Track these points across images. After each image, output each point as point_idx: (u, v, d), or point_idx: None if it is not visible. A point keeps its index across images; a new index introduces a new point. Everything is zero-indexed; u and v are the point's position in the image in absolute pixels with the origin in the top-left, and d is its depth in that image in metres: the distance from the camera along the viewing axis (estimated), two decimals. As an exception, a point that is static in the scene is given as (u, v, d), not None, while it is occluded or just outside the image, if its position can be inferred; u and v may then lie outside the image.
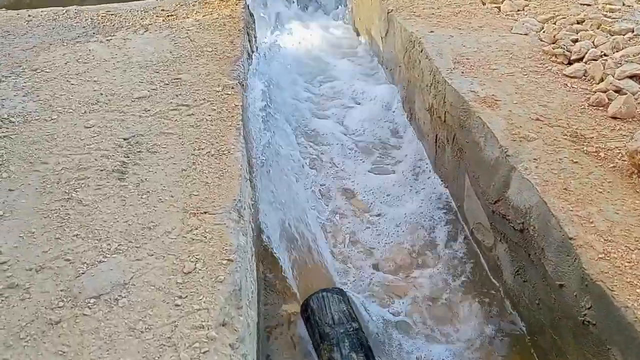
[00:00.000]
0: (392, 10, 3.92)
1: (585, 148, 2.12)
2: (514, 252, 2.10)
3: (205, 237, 1.76)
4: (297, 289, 2.40)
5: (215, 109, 2.54)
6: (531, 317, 2.00)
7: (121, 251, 1.68)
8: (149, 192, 1.96)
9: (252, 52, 3.83)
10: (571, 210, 1.80)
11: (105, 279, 1.58)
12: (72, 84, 2.78)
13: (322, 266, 2.53)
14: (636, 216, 1.75)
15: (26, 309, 1.48)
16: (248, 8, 4.25)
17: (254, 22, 4.48)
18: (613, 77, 2.54)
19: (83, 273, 1.60)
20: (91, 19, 3.74)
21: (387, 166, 3.45)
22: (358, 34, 5.57)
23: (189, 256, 1.67)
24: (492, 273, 2.41)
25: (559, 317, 1.75)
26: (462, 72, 2.81)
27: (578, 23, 3.37)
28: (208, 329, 1.44)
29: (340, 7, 6.26)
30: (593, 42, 2.99)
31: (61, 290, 1.54)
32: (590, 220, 1.74)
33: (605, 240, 1.66)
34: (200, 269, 1.62)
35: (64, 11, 3.91)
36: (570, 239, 1.68)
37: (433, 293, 2.48)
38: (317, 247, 2.60)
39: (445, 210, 2.92)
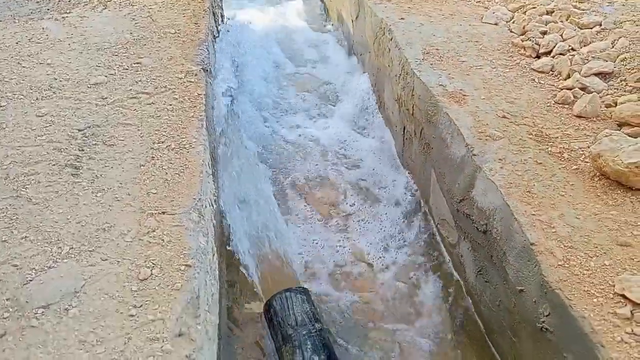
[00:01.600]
0: (363, -7, 3.82)
1: (549, 148, 2.12)
2: (477, 252, 2.11)
3: (162, 239, 1.69)
4: (260, 288, 2.37)
5: (177, 98, 2.44)
6: (492, 317, 2.03)
7: (73, 255, 1.61)
8: (104, 189, 1.88)
9: (218, 34, 3.69)
10: (533, 215, 1.81)
11: (55, 287, 1.50)
12: (24, 67, 2.62)
13: (287, 264, 2.50)
14: (596, 221, 1.77)
15: (-32, 321, 1.40)
16: (215, -15, 4.08)
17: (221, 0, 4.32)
18: (579, 74, 2.54)
19: (31, 280, 1.52)
20: (46, -7, 3.52)
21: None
22: (328, 16, 5.46)
23: (145, 261, 1.60)
24: (455, 269, 2.43)
25: (518, 320, 1.77)
26: (432, 64, 2.77)
27: (548, 13, 3.36)
28: (163, 341, 1.39)
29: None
30: (561, 35, 2.99)
31: (7, 300, 1.46)
32: (552, 226, 1.76)
33: (565, 246, 1.68)
34: (156, 275, 1.56)
35: (16, -17, 3.66)
36: (532, 244, 1.68)
37: (397, 286, 2.49)
38: (282, 244, 2.56)
39: (412, 204, 2.92)
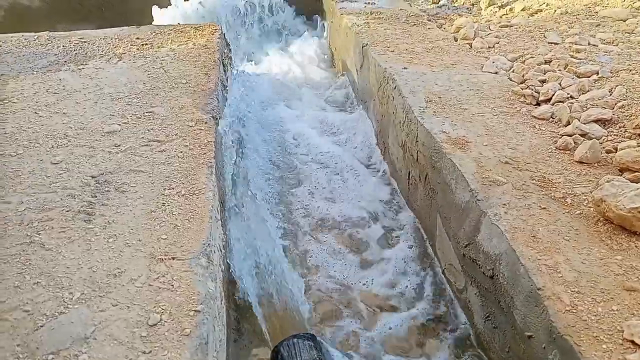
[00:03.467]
0: (366, 44, 3.97)
1: (552, 194, 2.16)
2: (485, 297, 2.11)
3: (172, 285, 1.71)
4: (267, 333, 2.36)
5: (187, 145, 2.51)
6: (502, 363, 2.01)
7: (84, 301, 1.63)
8: (115, 235, 1.91)
9: (227, 83, 3.81)
10: (539, 259, 1.82)
11: (66, 333, 1.52)
12: (40, 116, 2.71)
13: (294, 309, 2.50)
14: (602, 266, 1.78)
15: (-22, 368, 1.41)
16: (224, 37, 4.25)
17: (230, 51, 4.49)
18: (579, 121, 2.61)
19: (42, 326, 1.53)
20: (63, 46, 3.68)
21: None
22: (333, 63, 5.64)
23: (154, 307, 1.62)
24: (463, 314, 2.42)
25: (529, 367, 1.76)
26: (434, 112, 2.85)
27: (546, 63, 3.48)
28: (172, 387, 1.39)
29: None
30: (560, 83, 3.08)
31: (17, 345, 1.48)
32: (558, 270, 1.77)
33: (572, 291, 1.68)
34: (166, 321, 1.58)
35: (36, 37, 3.84)
36: (539, 289, 1.69)
37: (403, 330, 2.47)
38: (289, 288, 2.57)
39: (418, 248, 2.94)
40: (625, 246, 1.87)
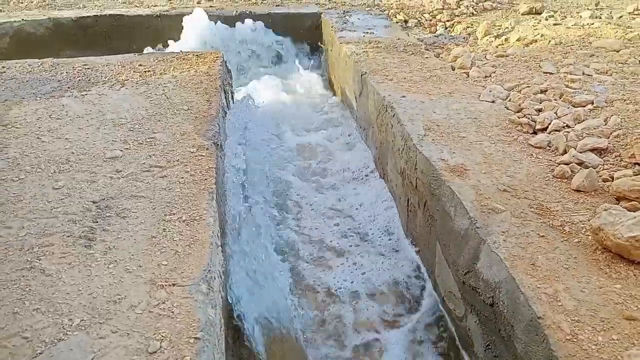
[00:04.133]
0: (365, 72, 4.05)
1: (551, 221, 2.18)
2: (485, 325, 2.10)
3: (172, 312, 1.71)
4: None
5: (188, 171, 2.53)
6: (502, 392, 1.99)
7: (83, 328, 1.62)
8: (116, 261, 1.91)
9: (228, 109, 3.86)
10: (539, 288, 1.83)
11: (65, 360, 1.51)
12: (43, 142, 2.74)
13: (295, 339, 2.48)
14: (601, 295, 1.78)
15: (-24, 395, 1.40)
16: (226, 65, 4.32)
17: (231, 77, 4.56)
18: (575, 149, 2.65)
19: (41, 353, 1.53)
20: (67, 72, 3.74)
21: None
22: (333, 92, 5.72)
23: (154, 334, 1.61)
24: (461, 343, 2.40)
25: (530, 397, 1.74)
26: (433, 139, 2.89)
27: (542, 92, 3.54)
28: (171, 417, 1.37)
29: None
30: (556, 112, 3.13)
31: (16, 373, 1.47)
32: (558, 299, 1.77)
33: (572, 320, 1.69)
34: (165, 348, 1.57)
35: (40, 63, 3.90)
36: (539, 318, 1.69)
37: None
38: (290, 321, 2.56)
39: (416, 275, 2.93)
40: (624, 275, 1.88)
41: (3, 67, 3.83)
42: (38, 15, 6.00)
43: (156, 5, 6.75)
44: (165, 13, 6.19)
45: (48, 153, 2.63)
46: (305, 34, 6.41)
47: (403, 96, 3.50)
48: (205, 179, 2.48)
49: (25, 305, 1.69)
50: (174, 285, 1.82)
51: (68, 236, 2.03)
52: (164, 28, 6.00)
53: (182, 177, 2.48)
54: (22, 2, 6.94)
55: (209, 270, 1.92)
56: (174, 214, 2.21)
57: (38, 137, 2.78)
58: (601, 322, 1.68)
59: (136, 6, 6.78)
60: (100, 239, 2.03)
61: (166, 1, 7.10)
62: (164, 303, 1.74)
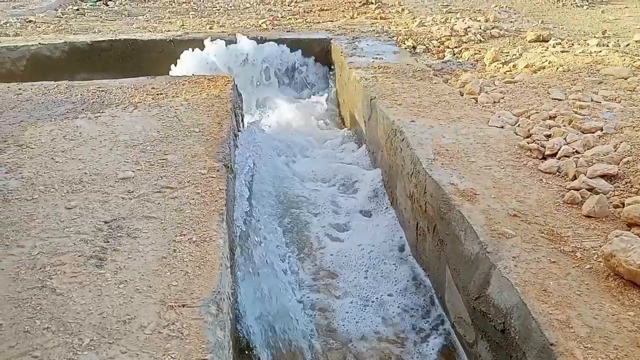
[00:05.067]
0: (374, 97, 4.09)
1: (562, 247, 2.17)
2: (496, 352, 2.08)
3: (182, 332, 1.71)
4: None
5: (199, 192, 2.55)
6: (514, 421, 1.95)
7: (93, 347, 1.62)
8: (126, 281, 1.92)
9: (239, 132, 3.91)
10: (551, 314, 1.81)
11: (74, 380, 1.50)
12: (57, 162, 2.78)
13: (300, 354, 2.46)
14: (614, 322, 1.76)
15: (-15, 414, 1.40)
16: (236, 88, 4.39)
17: (242, 101, 4.62)
18: (585, 175, 2.64)
19: (50, 372, 1.53)
20: (81, 94, 3.81)
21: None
22: (339, 116, 5.78)
23: (163, 354, 1.61)
24: (473, 369, 2.37)
25: None
26: (442, 164, 2.90)
27: (550, 118, 3.55)
28: None
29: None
30: (565, 138, 3.14)
31: (25, 392, 1.46)
32: (570, 325, 1.75)
33: (585, 347, 1.66)
34: (174, 370, 1.56)
35: (55, 86, 3.98)
36: (551, 344, 1.67)
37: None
38: (296, 338, 2.54)
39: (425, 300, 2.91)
40: (637, 302, 1.85)
41: (19, 89, 3.91)
42: (54, 39, 6.15)
43: (169, 30, 6.90)
44: (179, 38, 6.31)
45: (61, 173, 2.67)
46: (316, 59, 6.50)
47: (412, 121, 3.53)
48: (216, 201, 2.50)
49: (36, 324, 1.70)
50: (183, 306, 1.82)
51: (79, 256, 2.04)
52: (177, 52, 6.10)
53: (193, 199, 2.49)
54: (39, 27, 7.12)
55: (219, 292, 1.93)
56: (184, 234, 2.22)
57: (52, 158, 2.83)
58: (614, 350, 1.66)
59: (150, 31, 6.94)
60: (111, 258, 2.04)
61: (179, 27, 7.26)
62: (173, 324, 1.74)
